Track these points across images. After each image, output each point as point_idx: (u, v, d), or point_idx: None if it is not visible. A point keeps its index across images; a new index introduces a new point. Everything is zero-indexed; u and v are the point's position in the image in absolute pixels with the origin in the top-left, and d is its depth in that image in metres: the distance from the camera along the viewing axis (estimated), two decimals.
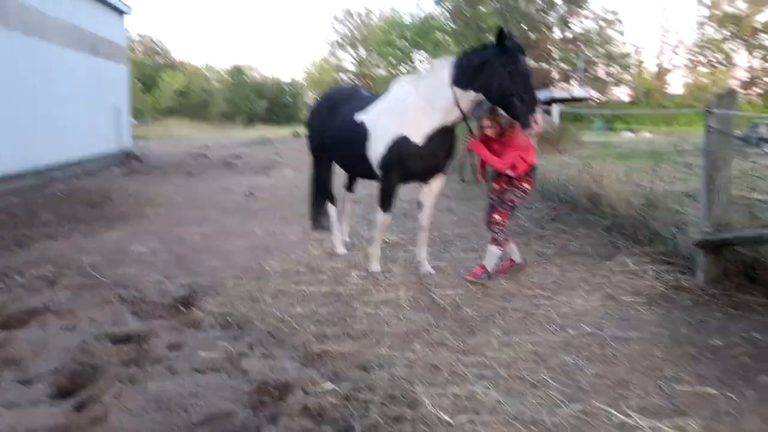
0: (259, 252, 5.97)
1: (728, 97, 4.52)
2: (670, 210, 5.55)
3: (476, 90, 4.21)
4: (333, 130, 5.13)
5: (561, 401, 2.79)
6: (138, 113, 56.56)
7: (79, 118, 14.29)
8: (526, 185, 4.63)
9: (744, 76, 58.68)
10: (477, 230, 6.56)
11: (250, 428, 2.63)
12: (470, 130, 4.65)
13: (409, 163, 4.54)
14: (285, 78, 68.00)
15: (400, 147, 4.49)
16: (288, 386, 3.03)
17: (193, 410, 2.79)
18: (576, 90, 25.59)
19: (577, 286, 4.55)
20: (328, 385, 3.05)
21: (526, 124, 4.01)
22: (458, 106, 4.32)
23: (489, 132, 4.54)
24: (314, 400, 2.89)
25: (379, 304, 4.32)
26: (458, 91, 4.25)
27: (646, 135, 31.71)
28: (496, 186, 4.73)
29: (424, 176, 4.77)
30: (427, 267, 4.98)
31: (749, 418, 2.58)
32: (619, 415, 2.63)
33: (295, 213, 8.14)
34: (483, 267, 4.67)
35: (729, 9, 56.74)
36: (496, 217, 4.61)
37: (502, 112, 4.33)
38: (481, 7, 16.85)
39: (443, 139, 4.46)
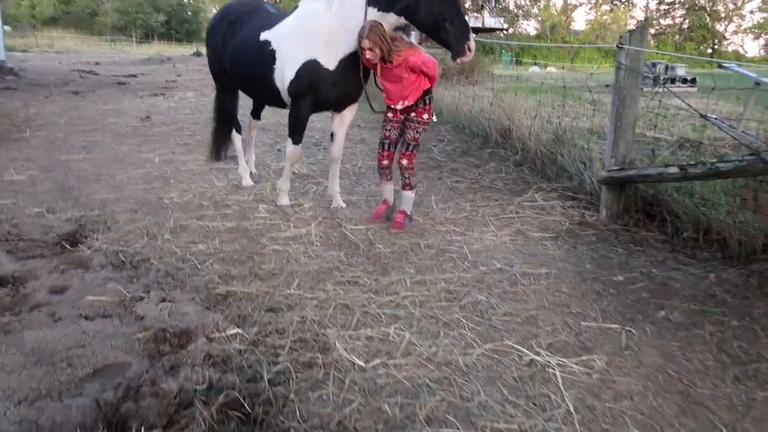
0: (156, 183, 5.50)
1: (638, 33, 4.51)
2: (576, 146, 5.67)
3: (398, 13, 3.91)
4: (234, 50, 4.66)
5: (474, 341, 2.79)
6: (14, 21, 50.44)
7: None
8: (425, 116, 4.18)
9: (640, 15, 61.52)
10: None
11: (146, 380, 2.40)
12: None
13: (321, 90, 4.19)
14: None
15: (311, 72, 4.12)
16: (189, 332, 2.80)
17: (79, 362, 2.51)
18: (488, 20, 25.40)
19: (488, 221, 4.57)
20: (234, 330, 2.86)
21: (459, 52, 3.79)
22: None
23: (369, 55, 3.92)
24: (218, 347, 2.70)
25: (289, 240, 4.12)
26: (375, 12, 3.92)
27: (552, 70, 32.61)
28: (391, 116, 4.25)
29: (337, 105, 4.48)
30: (339, 201, 4.80)
31: (648, 352, 2.70)
32: (529, 353, 2.66)
33: (197, 140, 7.58)
34: (403, 212, 4.41)
35: None
36: (404, 162, 4.25)
37: (405, 36, 4.08)
38: None
39: (356, 65, 4.15)
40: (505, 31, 34.57)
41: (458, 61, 3.86)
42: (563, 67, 31.67)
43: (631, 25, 62.33)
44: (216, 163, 6.08)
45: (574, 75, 22.28)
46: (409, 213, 4.42)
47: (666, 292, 3.32)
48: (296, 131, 4.42)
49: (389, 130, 4.27)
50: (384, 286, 3.40)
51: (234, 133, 5.38)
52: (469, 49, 3.80)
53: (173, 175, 5.77)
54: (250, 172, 5.61)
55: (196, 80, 17.45)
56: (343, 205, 4.77)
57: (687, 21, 59.65)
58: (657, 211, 4.30)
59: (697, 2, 58.37)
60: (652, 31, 61.22)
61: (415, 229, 4.42)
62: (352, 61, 4.11)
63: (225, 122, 5.41)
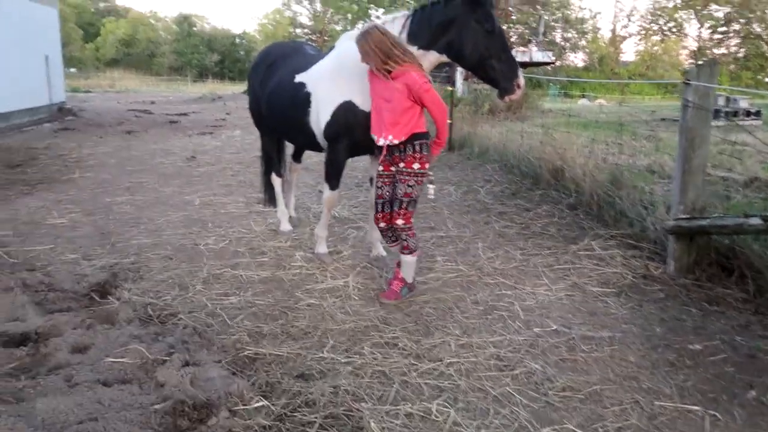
0: (194, 227, 5.38)
1: (707, 67, 4.12)
2: (636, 188, 5.24)
3: (440, 51, 3.69)
4: (270, 93, 4.52)
5: (528, 422, 2.42)
6: (79, 63, 53.50)
7: (2, 67, 12.95)
8: (415, 165, 3.55)
9: (693, 45, 59.96)
10: (436, 207, 6.13)
11: None
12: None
13: (358, 133, 3.93)
14: (236, 30, 64.97)
15: (347, 114, 3.91)
16: (210, 405, 2.54)
17: None
18: (536, 54, 25.05)
19: (541, 273, 4.19)
20: (259, 402, 2.59)
21: (508, 89, 3.54)
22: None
23: (362, 61, 3.59)
24: (241, 422, 2.43)
25: (325, 293, 3.86)
26: (415, 50, 3.70)
27: (602, 102, 31.87)
28: (381, 168, 3.70)
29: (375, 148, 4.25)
30: (379, 249, 4.52)
31: None
32: None
33: (239, 181, 7.52)
34: (401, 280, 3.76)
35: None
36: (399, 222, 3.65)
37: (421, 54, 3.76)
38: None
39: None
40: (552, 65, 34.18)
41: (506, 99, 3.61)
42: (604, 100, 30.89)
43: (684, 55, 60.76)
44: (256, 206, 5.95)
45: (625, 108, 21.62)
46: (409, 281, 3.78)
47: (755, 367, 2.86)
48: (333, 176, 4.20)
49: (381, 187, 3.72)
50: (426, 350, 3.07)
51: (273, 176, 5.22)
52: (518, 86, 3.54)
53: (212, 219, 5.65)
54: (290, 216, 5.43)
55: (245, 118, 17.75)
56: (384, 254, 4.49)
57: (742, 50, 57.61)
58: (734, 264, 3.83)
59: (752, 31, 56.42)
60: (706, 60, 59.43)
61: (461, 279, 4.09)
62: None
63: (266, 165, 5.27)
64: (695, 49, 60.07)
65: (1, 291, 3.77)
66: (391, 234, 3.82)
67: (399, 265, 3.81)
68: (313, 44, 5.25)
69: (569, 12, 52.54)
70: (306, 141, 4.40)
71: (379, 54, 3.41)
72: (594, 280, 4.04)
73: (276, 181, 5.23)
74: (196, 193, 6.81)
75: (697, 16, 58.62)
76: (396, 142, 3.53)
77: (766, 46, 56.02)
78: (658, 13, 59.73)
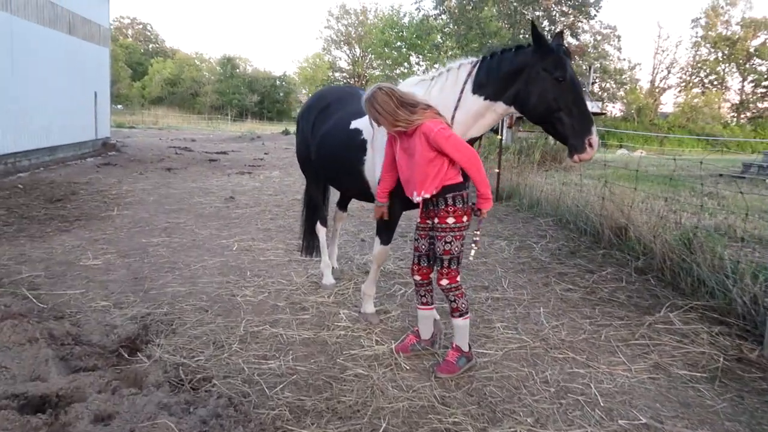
0: (231, 275, 5.07)
1: None
2: (714, 254, 4.74)
3: (508, 102, 3.37)
4: (322, 138, 4.25)
5: None
6: (125, 100, 55.50)
7: (53, 102, 13.24)
8: (450, 220, 3.23)
9: (735, 99, 58.94)
10: (488, 263, 5.72)
11: None
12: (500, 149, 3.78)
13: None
14: (277, 72, 66.80)
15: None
16: None
17: None
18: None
19: (616, 348, 3.72)
20: None
21: (578, 148, 3.16)
22: (480, 120, 3.48)
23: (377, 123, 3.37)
24: None
25: (373, 361, 3.46)
26: (480, 101, 3.40)
27: (641, 153, 31.21)
28: (419, 220, 3.45)
29: None
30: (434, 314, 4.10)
31: None
32: None
33: (278, 225, 7.25)
34: (457, 349, 3.39)
35: (724, 31, 57.08)
36: (443, 282, 3.30)
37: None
38: (486, 8, 16.02)
39: None
40: (602, 115, 33.82)
41: (576, 159, 3.21)
42: (644, 150, 30.15)
43: (725, 108, 59.79)
44: (296, 254, 5.64)
45: (665, 160, 20.96)
46: (465, 349, 3.39)
47: None
48: (385, 230, 3.85)
49: (417, 239, 3.47)
50: None
51: (318, 225, 4.92)
52: (590, 145, 3.15)
53: (250, 267, 5.35)
54: (332, 268, 5.09)
55: (283, 158, 17.80)
56: (437, 317, 4.08)
57: None
58: None
59: None
60: (749, 114, 58.37)
61: (525, 351, 3.64)
62: None
63: (311, 214, 4.98)
64: (737, 102, 59.02)
65: (26, 342, 3.49)
66: (424, 292, 3.55)
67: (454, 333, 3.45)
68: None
69: (608, 63, 52.45)
70: (358, 190, 4.09)
71: (387, 117, 3.19)
72: (679, 361, 3.55)
73: (321, 230, 4.92)
74: (233, 237, 6.56)
75: (740, 69, 57.88)
76: (427, 196, 3.24)
77: None
78: (699, 65, 59.25)
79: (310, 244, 5.06)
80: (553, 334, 3.93)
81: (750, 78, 58.02)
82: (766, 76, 57.05)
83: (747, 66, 58.01)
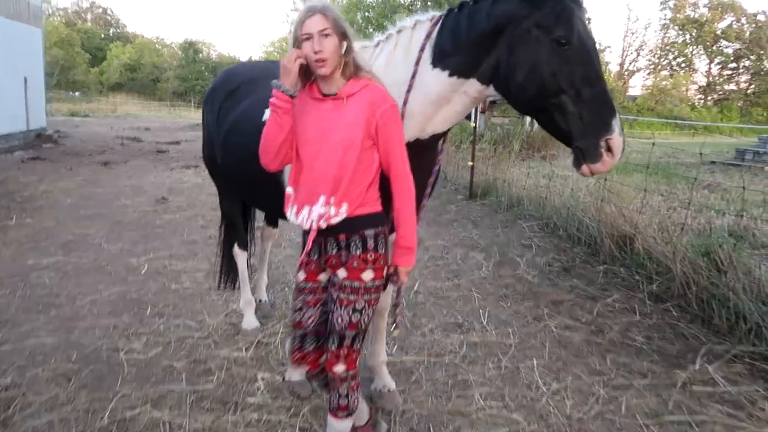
0: (126, 314, 3.83)
1: None
2: (744, 268, 3.69)
3: (484, 79, 2.17)
4: (227, 134, 3.01)
5: None
6: (83, 87, 52.73)
7: None
8: (367, 274, 2.05)
9: (702, 81, 59.16)
10: (461, 286, 4.58)
11: None
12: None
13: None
14: (242, 57, 64.45)
15: None
16: None
17: None
18: None
19: (645, 425, 2.61)
20: None
21: (590, 153, 1.96)
22: (446, 106, 2.27)
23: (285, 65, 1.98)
24: None
25: None
26: (444, 77, 2.20)
27: None
28: (302, 277, 2.16)
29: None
30: (386, 380, 2.90)
31: None
32: None
33: (206, 236, 5.97)
34: None
35: (692, 13, 57.09)
36: (339, 369, 2.09)
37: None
38: None
39: (417, 162, 2.28)
40: None
41: (586, 170, 2.00)
42: (652, 142, 29.41)
43: (693, 90, 60.10)
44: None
45: (644, 144, 20.16)
46: None
47: None
48: (228, 232, 2.67)
49: (302, 309, 2.14)
50: None
51: (236, 248, 3.68)
52: (610, 150, 1.95)
53: (154, 300, 4.11)
54: (259, 302, 3.89)
55: None
56: (392, 386, 2.89)
57: (752, 86, 56.70)
58: None
59: (762, 67, 55.61)
60: (715, 96, 58.78)
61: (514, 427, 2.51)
62: (412, 158, 2.35)
63: (226, 234, 3.74)
64: (704, 84, 59.21)
65: None
66: (317, 383, 2.32)
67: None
68: None
69: None
70: (276, 207, 2.86)
71: (337, 46, 1.95)
72: None
73: (239, 255, 3.68)
74: (148, 253, 5.28)
75: (707, 51, 57.99)
76: (337, 220, 1.98)
77: None
78: (668, 48, 59.19)
79: (228, 273, 3.84)
80: (554, 405, 2.80)
81: (717, 60, 58.33)
82: (732, 58, 57.38)
83: (714, 48, 58.29)
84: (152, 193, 8.54)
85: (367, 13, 25.40)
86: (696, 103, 58.01)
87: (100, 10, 67.52)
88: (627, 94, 60.05)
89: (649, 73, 61.42)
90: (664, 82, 58.29)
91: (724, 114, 53.42)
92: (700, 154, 6.58)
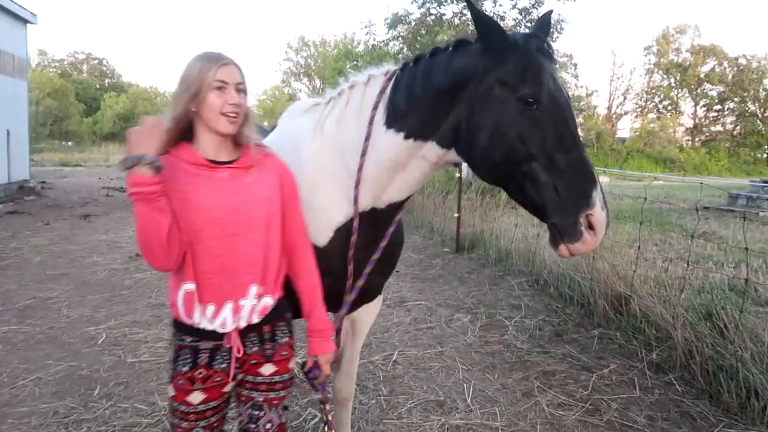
0: (70, 397, 3.44)
1: None
2: (752, 333, 3.36)
3: (444, 143, 1.88)
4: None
5: None
6: (76, 137, 52.87)
7: None
8: (292, 363, 1.84)
9: (689, 123, 60.13)
10: (444, 352, 4.21)
11: None
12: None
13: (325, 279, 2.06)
14: None
15: None
16: None
17: None
18: None
19: None
20: None
21: (567, 231, 1.68)
22: (401, 172, 1.99)
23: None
24: None
25: None
26: (398, 140, 1.92)
27: (605, 179, 30.70)
28: (199, 398, 1.72)
29: (336, 304, 2.39)
30: None
31: None
32: None
33: None
34: None
35: (675, 58, 58.55)
36: None
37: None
38: (440, 31, 14.94)
39: (373, 235, 2.09)
40: None
41: (564, 251, 1.72)
42: (605, 176, 29.54)
43: (681, 132, 61.10)
44: None
45: (637, 189, 20.08)
46: None
47: None
48: None
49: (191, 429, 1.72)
50: None
51: None
52: (591, 228, 1.68)
53: (106, 377, 3.72)
54: None
55: None
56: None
57: (738, 127, 57.69)
58: None
59: (747, 109, 56.76)
60: (702, 137, 59.70)
61: None
62: (365, 231, 2.06)
63: None
64: (691, 126, 60.13)
65: None
66: None
67: None
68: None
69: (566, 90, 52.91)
70: None
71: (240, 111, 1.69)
72: None
73: None
74: (109, 320, 4.90)
75: (692, 94, 59.14)
76: (269, 309, 1.76)
77: (761, 123, 56.10)
78: (653, 91, 60.37)
79: None
80: None
81: (702, 102, 59.52)
82: (716, 101, 58.56)
83: (698, 91, 59.59)
84: (127, 248, 8.19)
85: (356, 62, 25.71)
86: (684, 145, 58.86)
87: (96, 61, 68.51)
88: (616, 136, 60.89)
89: (636, 116, 62.48)
90: (651, 125, 59.24)
91: (712, 155, 54.17)
92: (697, 209, 6.32)
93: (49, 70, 60.30)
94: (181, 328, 1.70)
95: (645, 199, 5.20)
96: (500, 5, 16.35)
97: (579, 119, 58.80)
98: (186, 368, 1.67)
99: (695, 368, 3.46)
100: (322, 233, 2.04)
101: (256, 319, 1.71)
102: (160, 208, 1.51)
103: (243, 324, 1.69)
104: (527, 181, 1.73)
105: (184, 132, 1.67)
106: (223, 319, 1.68)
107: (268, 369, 1.74)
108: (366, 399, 3.40)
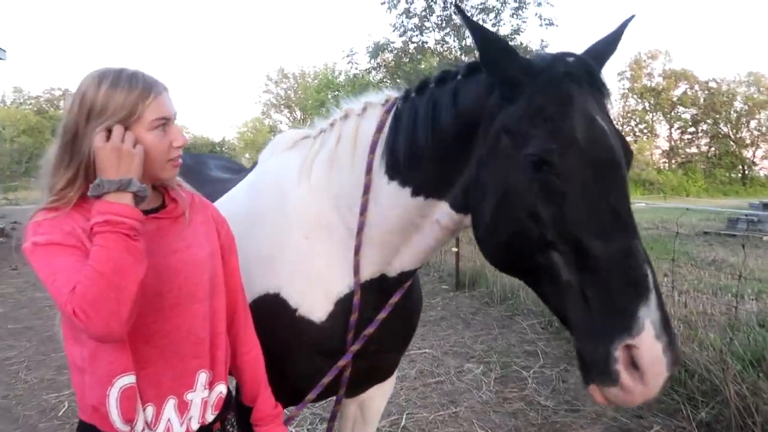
0: None
1: None
2: None
3: (456, 207, 1.44)
4: None
5: None
6: None
7: None
8: None
9: (665, 145, 61.21)
10: (458, 411, 3.70)
11: None
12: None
13: (298, 360, 1.65)
14: (216, 138, 64.81)
15: (274, 324, 1.61)
16: None
17: None
18: None
19: None
20: None
21: (600, 374, 1.11)
22: (416, 235, 1.56)
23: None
24: None
25: None
26: (406, 197, 1.48)
27: None
28: None
29: (350, 387, 1.85)
30: None
31: None
32: None
33: None
34: None
35: (648, 83, 59.92)
36: None
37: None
38: (423, 60, 14.74)
39: (379, 304, 1.63)
40: None
41: (597, 393, 1.15)
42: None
43: (657, 154, 62.25)
44: None
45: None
46: None
47: None
48: None
49: None
50: None
51: None
52: (637, 367, 1.08)
53: None
54: None
55: None
56: None
57: (713, 149, 58.89)
58: None
59: (720, 131, 58.08)
60: (679, 159, 60.79)
61: None
62: (371, 299, 1.62)
63: None
64: (667, 148, 61.16)
65: None
66: None
67: None
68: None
69: None
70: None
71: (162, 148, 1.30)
72: None
73: None
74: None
75: (666, 117, 60.33)
76: (223, 394, 1.40)
77: (735, 144, 57.31)
78: (629, 115, 61.47)
79: None
80: None
81: (676, 125, 60.81)
82: (690, 123, 59.87)
83: (672, 114, 60.93)
84: None
85: (337, 92, 25.55)
86: (661, 167, 59.88)
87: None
88: None
89: None
90: None
91: (689, 176, 55.10)
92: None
93: (24, 107, 59.47)
94: None
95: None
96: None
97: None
98: None
99: (755, 430, 3.00)
100: (319, 306, 1.59)
101: (210, 418, 1.32)
102: (139, 250, 1.11)
103: (196, 426, 1.29)
104: (545, 276, 1.22)
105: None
106: (167, 422, 1.25)
107: None
108: None
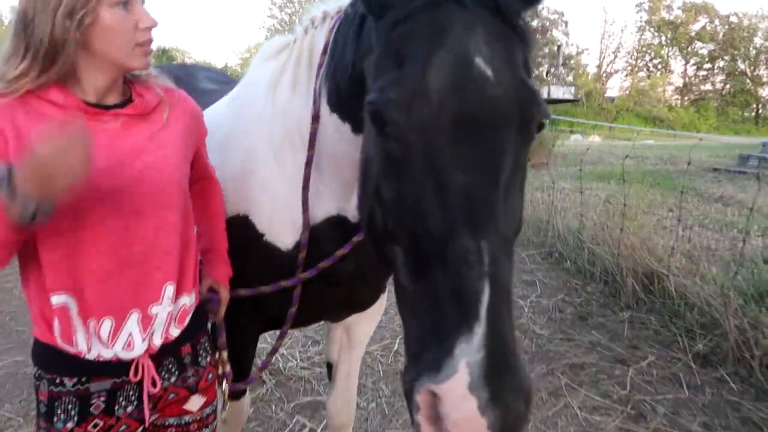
0: None
1: None
2: None
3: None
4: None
5: None
6: None
7: None
8: (195, 406, 1.30)
9: (679, 82, 59.66)
10: None
11: None
12: None
13: (273, 277, 1.50)
14: (218, 64, 63.31)
15: (239, 248, 1.49)
16: None
17: None
18: (556, 90, 19.42)
19: None
20: None
21: (409, 403, 0.86)
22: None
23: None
24: None
25: None
26: (348, 132, 1.29)
27: (597, 139, 30.18)
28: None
29: (326, 315, 1.84)
30: None
31: None
32: None
33: None
34: None
35: (666, 16, 57.62)
36: None
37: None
38: None
39: (343, 241, 1.49)
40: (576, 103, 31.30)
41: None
42: (598, 136, 29.08)
43: (670, 91, 60.75)
44: None
45: (621, 144, 19.59)
46: None
47: None
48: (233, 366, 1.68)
49: None
50: None
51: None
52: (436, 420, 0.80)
53: None
54: None
55: None
56: None
57: (727, 86, 57.35)
58: None
59: (737, 68, 56.31)
60: (692, 96, 59.40)
61: None
62: (339, 236, 1.48)
63: None
64: (681, 85, 59.63)
65: None
66: None
67: None
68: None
69: (555, 48, 52.12)
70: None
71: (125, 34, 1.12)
72: None
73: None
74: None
75: (682, 53, 58.41)
76: (187, 306, 1.27)
77: (751, 82, 55.76)
78: (644, 49, 59.53)
79: None
80: None
81: (692, 61, 59.01)
82: (707, 59, 58.05)
83: (689, 49, 58.99)
84: None
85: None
86: (673, 104, 58.61)
87: None
88: (605, 95, 60.26)
89: (626, 75, 61.85)
90: (641, 84, 58.61)
91: (701, 114, 54.06)
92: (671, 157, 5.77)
93: None
94: (55, 363, 1.13)
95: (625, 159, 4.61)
96: None
97: (570, 78, 58.14)
98: (70, 424, 1.12)
99: (753, 363, 2.95)
100: (285, 234, 1.47)
101: (175, 332, 1.21)
102: None
103: (159, 341, 1.18)
104: (394, 278, 0.95)
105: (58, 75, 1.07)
106: (128, 336, 1.14)
107: (196, 402, 1.27)
108: (364, 402, 2.87)
